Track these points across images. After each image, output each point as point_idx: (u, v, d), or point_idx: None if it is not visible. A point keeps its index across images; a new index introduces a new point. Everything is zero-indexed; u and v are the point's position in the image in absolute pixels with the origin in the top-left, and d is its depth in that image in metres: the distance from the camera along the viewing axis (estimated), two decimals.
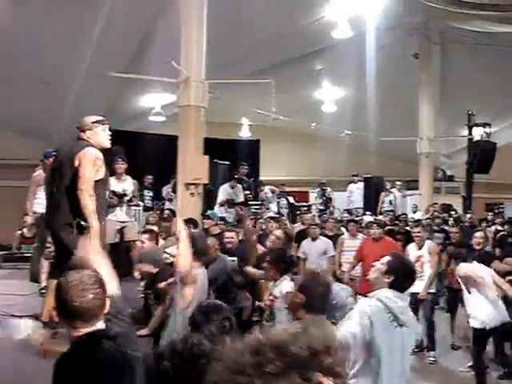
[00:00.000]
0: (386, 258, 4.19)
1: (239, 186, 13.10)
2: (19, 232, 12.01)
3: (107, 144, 5.91)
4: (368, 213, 15.64)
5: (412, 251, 8.80)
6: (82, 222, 5.44)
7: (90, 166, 5.53)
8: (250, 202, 13.96)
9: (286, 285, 5.67)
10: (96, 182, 5.59)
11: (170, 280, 5.74)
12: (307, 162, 23.40)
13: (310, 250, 10.30)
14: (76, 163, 5.53)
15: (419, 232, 9.03)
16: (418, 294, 8.29)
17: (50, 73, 14.31)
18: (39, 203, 8.79)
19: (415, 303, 8.12)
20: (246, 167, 14.15)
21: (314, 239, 10.38)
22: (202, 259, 5.46)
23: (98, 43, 13.84)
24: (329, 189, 18.02)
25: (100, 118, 5.92)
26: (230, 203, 12.67)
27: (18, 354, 5.85)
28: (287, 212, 15.77)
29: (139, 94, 17.74)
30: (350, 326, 3.84)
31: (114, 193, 9.22)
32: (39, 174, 9.27)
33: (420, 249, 8.82)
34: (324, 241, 10.46)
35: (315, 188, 18.46)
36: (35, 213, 9.18)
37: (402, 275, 4.09)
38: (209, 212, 11.25)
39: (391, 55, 17.50)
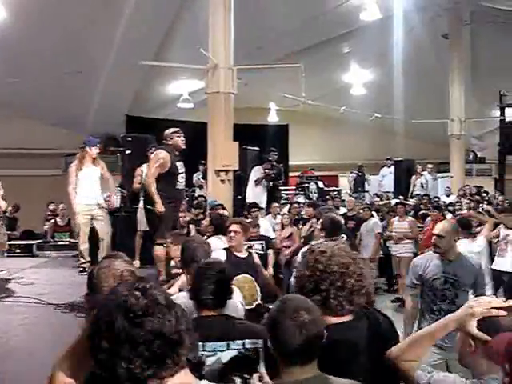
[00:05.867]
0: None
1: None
2: (52, 221, 12.08)
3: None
4: (401, 197, 15.42)
5: (502, 230, 8.69)
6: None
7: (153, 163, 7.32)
8: (281, 188, 13.93)
9: None
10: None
11: None
12: (336, 146, 23.25)
13: (362, 230, 10.71)
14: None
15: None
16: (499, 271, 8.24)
17: (78, 62, 14.36)
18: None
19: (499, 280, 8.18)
20: (276, 153, 14.05)
21: (366, 220, 10.82)
22: None
23: (125, 31, 13.88)
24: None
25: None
26: (267, 177, 12.49)
27: None
28: (316, 197, 15.67)
29: (167, 81, 17.77)
30: None
31: None
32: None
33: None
34: (373, 220, 10.96)
35: (352, 172, 18.16)
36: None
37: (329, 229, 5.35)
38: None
39: (420, 36, 17.23)
